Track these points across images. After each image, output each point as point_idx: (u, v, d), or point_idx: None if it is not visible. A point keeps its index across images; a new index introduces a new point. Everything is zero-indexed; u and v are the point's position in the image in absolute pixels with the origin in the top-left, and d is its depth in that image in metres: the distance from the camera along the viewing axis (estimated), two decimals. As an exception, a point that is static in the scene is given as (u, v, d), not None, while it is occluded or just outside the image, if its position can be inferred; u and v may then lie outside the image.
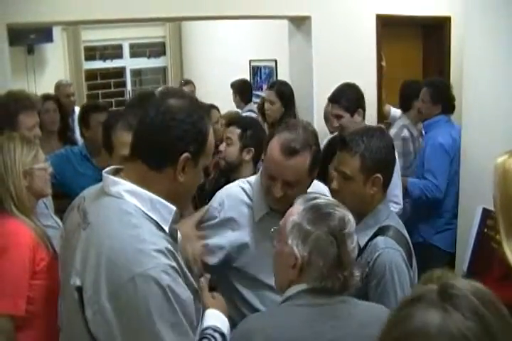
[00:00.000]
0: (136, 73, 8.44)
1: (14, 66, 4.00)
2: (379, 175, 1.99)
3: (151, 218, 1.45)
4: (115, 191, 1.47)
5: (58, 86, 5.14)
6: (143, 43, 8.30)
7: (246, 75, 6.21)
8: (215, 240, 2.04)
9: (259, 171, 2.10)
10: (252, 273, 2.03)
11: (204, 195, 2.92)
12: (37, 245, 2.06)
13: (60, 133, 4.12)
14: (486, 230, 3.01)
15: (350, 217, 1.55)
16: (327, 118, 3.81)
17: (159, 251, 1.37)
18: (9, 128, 2.70)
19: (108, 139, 2.40)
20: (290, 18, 4.56)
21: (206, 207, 2.15)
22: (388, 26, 4.59)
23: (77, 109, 4.96)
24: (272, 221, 2.05)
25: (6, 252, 1.99)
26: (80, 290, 1.38)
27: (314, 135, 1.99)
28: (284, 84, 4.46)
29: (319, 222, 1.51)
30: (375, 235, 1.93)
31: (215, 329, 1.56)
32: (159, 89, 3.88)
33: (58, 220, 2.45)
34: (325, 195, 2.19)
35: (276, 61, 5.80)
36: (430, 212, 3.75)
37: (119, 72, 8.24)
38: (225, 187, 2.20)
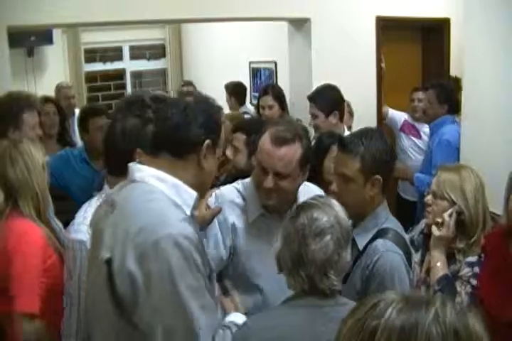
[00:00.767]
0: (136, 75, 8.43)
1: (14, 68, 4.00)
2: (379, 176, 1.99)
3: (175, 202, 1.56)
4: (140, 177, 1.60)
5: (59, 88, 5.15)
6: (143, 45, 8.30)
7: (246, 77, 6.21)
8: (213, 252, 2.04)
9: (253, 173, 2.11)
10: (245, 274, 2.05)
11: None
12: (46, 243, 2.15)
13: (58, 135, 4.13)
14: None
15: (326, 216, 1.54)
16: None
17: (183, 220, 1.52)
18: (13, 127, 2.73)
19: None
20: (290, 20, 4.57)
21: (213, 190, 2.18)
22: (388, 28, 4.60)
23: (77, 112, 4.97)
24: (266, 222, 2.07)
25: (21, 251, 2.07)
26: (108, 262, 1.48)
27: (304, 130, 2.06)
28: (275, 87, 4.52)
29: (293, 218, 1.58)
30: (374, 238, 1.92)
31: (232, 322, 1.65)
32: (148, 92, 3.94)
33: (58, 222, 2.45)
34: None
35: (275, 63, 5.80)
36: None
37: (119, 74, 8.24)
38: (220, 188, 2.22)
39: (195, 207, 1.64)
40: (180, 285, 1.44)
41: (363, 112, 4.20)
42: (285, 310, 1.57)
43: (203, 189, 1.70)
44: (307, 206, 1.59)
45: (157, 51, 8.42)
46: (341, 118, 3.52)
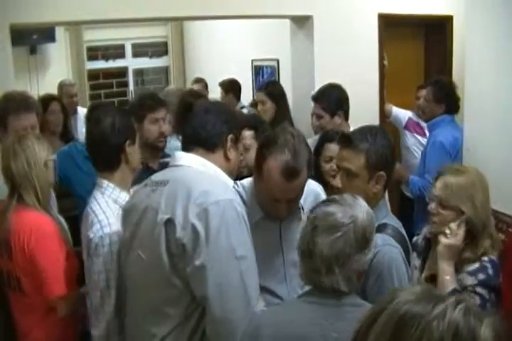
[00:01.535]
0: (139, 73, 8.45)
1: (17, 66, 4.01)
2: (383, 172, 2.00)
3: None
4: (184, 162, 1.86)
5: (61, 86, 5.15)
6: (145, 43, 8.31)
7: (248, 75, 6.22)
8: None
9: (253, 176, 2.09)
10: None
11: None
12: (58, 233, 2.23)
13: (62, 133, 4.13)
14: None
15: (341, 212, 1.54)
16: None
17: (235, 192, 1.87)
18: (1, 131, 2.72)
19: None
20: (292, 18, 4.56)
21: None
22: (390, 25, 4.59)
23: (79, 109, 4.98)
24: (267, 225, 2.07)
25: (43, 244, 2.15)
26: (167, 222, 1.69)
27: (304, 143, 2.00)
28: (273, 84, 4.56)
29: (311, 211, 1.63)
30: None
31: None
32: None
33: (62, 219, 2.47)
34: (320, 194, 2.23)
35: (278, 60, 5.79)
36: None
37: (122, 72, 8.25)
38: None
39: None
40: (234, 238, 1.66)
41: (365, 110, 4.20)
42: (297, 305, 1.59)
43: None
44: (329, 200, 1.62)
45: (159, 49, 8.42)
46: (346, 118, 3.51)
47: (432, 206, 2.23)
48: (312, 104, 3.58)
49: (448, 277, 2.08)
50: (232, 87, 5.62)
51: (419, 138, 4.39)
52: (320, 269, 1.52)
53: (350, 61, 4.40)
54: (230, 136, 1.91)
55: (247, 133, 2.90)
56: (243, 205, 2.08)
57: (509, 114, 2.98)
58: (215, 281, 1.63)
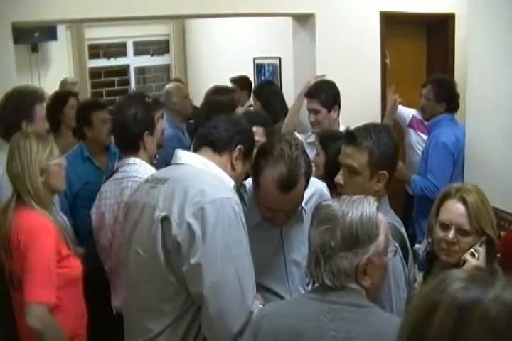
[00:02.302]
0: (140, 71, 8.44)
1: (19, 64, 4.01)
2: (385, 171, 1.99)
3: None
4: (186, 161, 1.87)
5: (63, 84, 5.17)
6: (147, 41, 8.30)
7: (250, 73, 6.21)
8: None
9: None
10: None
11: None
12: (58, 235, 2.17)
13: (75, 130, 4.14)
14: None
15: (336, 206, 1.54)
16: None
17: (232, 191, 1.81)
18: (26, 120, 2.75)
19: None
20: (294, 16, 4.55)
21: None
22: (392, 23, 4.58)
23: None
24: (269, 225, 2.07)
25: (35, 243, 2.08)
26: (164, 219, 1.70)
27: (302, 152, 1.98)
28: (263, 84, 4.69)
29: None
30: None
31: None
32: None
33: (65, 217, 2.47)
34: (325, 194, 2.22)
35: (280, 58, 5.79)
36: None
37: (123, 70, 8.25)
38: None
39: None
40: (227, 236, 1.66)
41: (367, 108, 4.20)
42: (301, 300, 1.60)
43: None
44: (341, 197, 1.62)
45: (161, 47, 8.42)
46: (339, 113, 3.53)
47: (450, 236, 1.99)
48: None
49: None
50: (245, 84, 5.59)
51: (423, 136, 4.37)
52: (310, 259, 1.53)
53: (352, 59, 4.39)
54: (240, 147, 1.93)
55: (258, 130, 2.88)
56: (243, 205, 2.10)
57: (511, 113, 2.98)
58: (210, 280, 1.64)
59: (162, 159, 2.80)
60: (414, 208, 3.92)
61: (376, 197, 1.97)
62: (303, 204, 2.10)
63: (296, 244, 2.12)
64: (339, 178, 2.03)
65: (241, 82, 5.59)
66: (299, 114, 3.85)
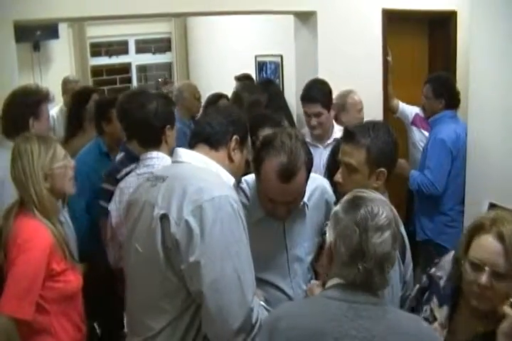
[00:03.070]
0: (142, 69, 8.44)
1: (20, 62, 4.01)
2: (384, 169, 1.99)
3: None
4: (185, 159, 1.87)
5: (65, 82, 5.16)
6: (148, 39, 8.30)
7: (252, 71, 6.20)
8: None
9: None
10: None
11: None
12: (54, 250, 2.07)
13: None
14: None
15: (385, 211, 1.52)
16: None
17: (232, 188, 1.82)
18: (33, 117, 2.76)
19: None
20: (296, 13, 4.55)
21: None
22: (394, 21, 4.57)
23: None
24: (271, 221, 2.08)
25: (23, 255, 1.99)
26: (163, 217, 1.70)
27: (302, 144, 1.99)
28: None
29: (350, 211, 1.53)
30: None
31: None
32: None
33: (67, 215, 2.47)
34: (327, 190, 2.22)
35: (282, 56, 5.78)
36: (433, 209, 3.75)
37: (125, 68, 8.25)
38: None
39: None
40: (229, 235, 1.66)
41: (369, 105, 4.19)
42: (317, 300, 1.59)
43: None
44: (363, 199, 1.56)
45: (163, 45, 8.41)
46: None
47: (483, 280, 1.60)
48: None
49: None
50: (250, 82, 5.60)
51: (426, 133, 4.37)
52: (373, 268, 1.48)
53: (354, 57, 4.39)
54: (235, 137, 1.92)
55: (260, 132, 2.87)
56: (246, 201, 2.11)
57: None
58: (209, 277, 1.64)
59: None
60: (415, 205, 3.93)
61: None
62: (305, 200, 2.10)
63: (298, 240, 2.13)
64: (338, 177, 2.04)
65: (245, 79, 5.60)
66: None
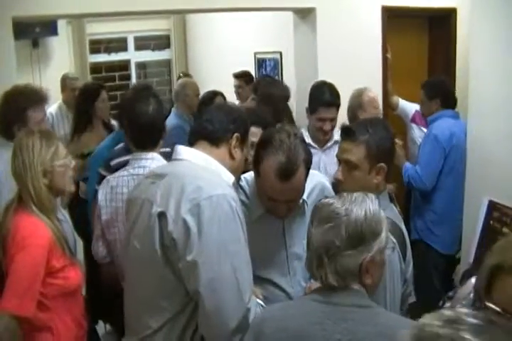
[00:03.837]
0: (141, 66, 8.42)
1: (19, 59, 4.00)
2: (383, 164, 2.00)
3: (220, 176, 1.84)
4: (186, 156, 1.86)
5: (64, 79, 5.15)
6: (147, 36, 8.27)
7: (251, 67, 6.19)
8: None
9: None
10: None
11: None
12: (53, 246, 2.06)
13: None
14: (492, 222, 3.01)
15: (340, 205, 1.51)
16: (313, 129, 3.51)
17: (231, 186, 1.81)
18: (18, 123, 2.73)
19: None
20: (295, 10, 4.54)
21: None
22: (394, 18, 4.57)
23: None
24: (270, 219, 2.08)
25: (22, 252, 1.99)
26: (160, 215, 1.70)
27: (301, 142, 2.00)
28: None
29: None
30: None
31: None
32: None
33: (66, 213, 2.47)
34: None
35: (281, 53, 5.78)
36: (423, 206, 3.78)
37: (124, 65, 8.22)
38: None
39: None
40: (224, 232, 1.65)
41: (369, 103, 4.18)
42: (302, 302, 1.57)
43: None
44: (338, 195, 1.59)
45: (162, 42, 8.39)
46: None
47: None
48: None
49: None
50: (249, 79, 5.62)
51: (425, 130, 4.39)
52: (311, 259, 1.50)
53: (353, 53, 4.38)
54: (236, 135, 1.91)
55: (256, 130, 2.87)
56: (245, 199, 2.11)
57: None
58: (207, 276, 1.63)
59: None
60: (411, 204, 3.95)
61: (376, 191, 1.99)
62: (305, 197, 2.11)
63: (298, 238, 2.13)
64: (338, 174, 2.04)
65: (246, 77, 5.60)
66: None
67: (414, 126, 4.46)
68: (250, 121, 2.93)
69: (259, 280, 1.98)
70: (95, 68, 7.83)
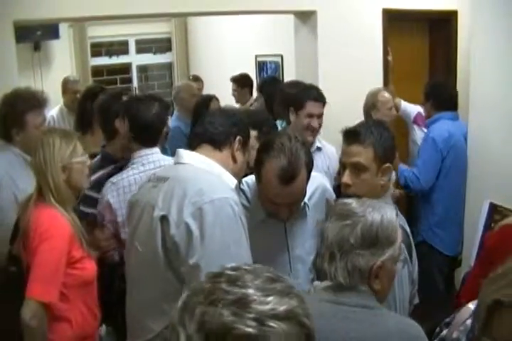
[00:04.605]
0: (142, 69, 8.43)
1: (21, 63, 4.01)
2: (389, 164, 2.01)
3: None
4: (188, 160, 1.86)
5: (65, 82, 5.16)
6: (149, 39, 8.29)
7: (252, 70, 6.21)
8: None
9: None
10: None
11: None
12: (73, 237, 2.16)
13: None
14: (493, 225, 3.00)
15: (359, 206, 1.52)
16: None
17: (233, 190, 1.81)
18: (17, 127, 2.74)
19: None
20: (296, 13, 4.55)
21: None
22: (395, 20, 4.57)
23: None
24: (272, 222, 2.08)
25: (46, 242, 2.08)
26: (162, 218, 1.71)
27: (302, 145, 2.00)
28: (267, 81, 4.84)
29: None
30: None
31: None
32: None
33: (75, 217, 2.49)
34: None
35: (282, 56, 5.78)
36: (424, 208, 3.78)
37: (125, 68, 8.24)
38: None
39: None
40: (227, 235, 1.65)
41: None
42: (308, 301, 1.57)
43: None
44: (361, 199, 1.59)
45: (163, 45, 8.41)
46: None
47: None
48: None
49: None
50: (248, 82, 5.65)
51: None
52: (324, 254, 1.49)
53: (354, 56, 4.38)
54: (239, 138, 1.92)
55: (252, 133, 2.87)
56: (246, 203, 2.11)
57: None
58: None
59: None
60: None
61: (383, 191, 2.00)
62: (306, 200, 2.10)
63: (300, 240, 2.13)
64: (346, 179, 2.02)
65: (242, 80, 5.62)
66: None
67: (415, 127, 4.47)
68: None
69: None
70: (96, 71, 7.84)
